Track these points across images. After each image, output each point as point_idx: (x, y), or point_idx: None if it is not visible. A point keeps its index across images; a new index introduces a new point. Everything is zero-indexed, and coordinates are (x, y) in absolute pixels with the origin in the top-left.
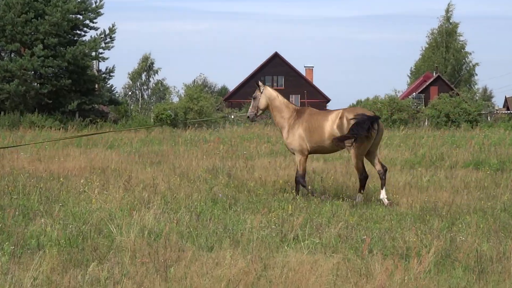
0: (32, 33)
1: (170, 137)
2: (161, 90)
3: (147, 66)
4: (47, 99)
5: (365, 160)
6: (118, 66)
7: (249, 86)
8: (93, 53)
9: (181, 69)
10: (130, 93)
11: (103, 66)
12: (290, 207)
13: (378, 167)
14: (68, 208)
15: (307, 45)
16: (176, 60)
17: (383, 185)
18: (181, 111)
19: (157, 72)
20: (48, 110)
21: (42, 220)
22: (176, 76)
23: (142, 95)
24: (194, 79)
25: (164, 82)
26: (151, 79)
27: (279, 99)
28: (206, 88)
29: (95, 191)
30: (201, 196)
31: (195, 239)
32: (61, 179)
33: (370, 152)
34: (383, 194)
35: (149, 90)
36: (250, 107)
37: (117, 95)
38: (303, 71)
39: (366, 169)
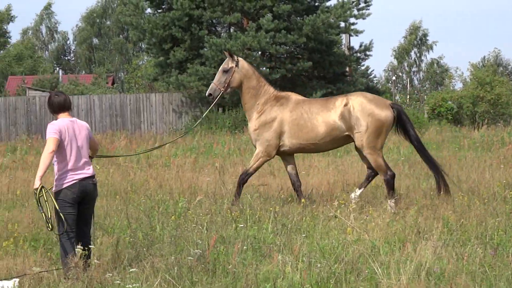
0: None
1: (452, 138)
2: (438, 73)
3: (417, 39)
4: (280, 89)
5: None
6: (377, 41)
7: None
8: (342, 24)
9: (466, 43)
10: (394, 78)
11: (355, 41)
12: None
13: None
14: (314, 241)
15: None
16: (458, 30)
17: (363, 185)
18: (468, 102)
19: (431, 47)
20: None
21: (280, 257)
22: (459, 53)
23: (412, 81)
24: (484, 57)
25: (441, 61)
26: (423, 58)
27: (256, 78)
28: (501, 68)
29: (350, 216)
30: (499, 222)
31: (492, 283)
32: (303, 200)
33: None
34: (355, 194)
35: (421, 73)
36: (215, 81)
37: (376, 81)
38: None
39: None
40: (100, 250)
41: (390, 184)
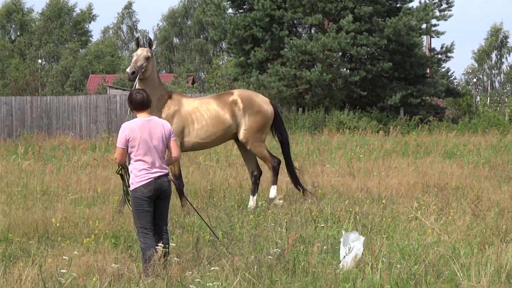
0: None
1: None
2: None
3: (498, 41)
4: (360, 90)
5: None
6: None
7: None
8: (423, 26)
9: None
10: (475, 80)
11: (436, 43)
12: None
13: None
14: (394, 241)
15: None
16: None
17: (255, 191)
18: None
19: None
20: (361, 105)
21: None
22: None
23: (492, 83)
24: None
25: None
26: (504, 60)
27: (157, 74)
28: None
29: (430, 217)
30: None
31: None
32: (383, 200)
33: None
34: (252, 201)
35: (502, 75)
36: (137, 64)
37: (456, 84)
38: None
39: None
40: (180, 248)
41: (276, 170)
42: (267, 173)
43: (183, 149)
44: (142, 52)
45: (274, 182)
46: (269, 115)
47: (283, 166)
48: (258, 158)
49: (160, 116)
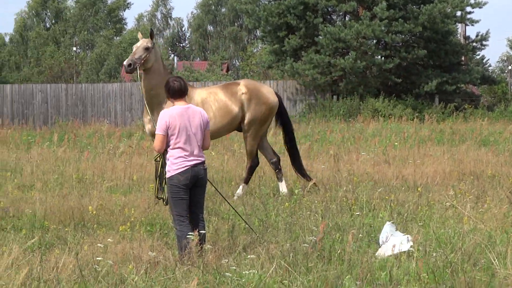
0: None
1: None
2: None
3: None
4: (394, 78)
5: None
6: (493, 30)
7: None
8: (458, 13)
9: None
10: (510, 67)
11: (471, 31)
12: None
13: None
14: (430, 230)
15: None
16: None
17: (281, 177)
18: None
19: None
20: (396, 92)
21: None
22: None
23: None
24: None
25: None
26: None
27: (163, 64)
28: None
29: (467, 206)
30: None
31: None
32: (419, 188)
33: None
34: (283, 188)
35: None
36: (135, 56)
37: (491, 71)
38: None
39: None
40: (215, 236)
41: (251, 171)
42: (263, 166)
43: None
44: (142, 43)
45: (246, 181)
46: (274, 106)
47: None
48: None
49: (155, 105)
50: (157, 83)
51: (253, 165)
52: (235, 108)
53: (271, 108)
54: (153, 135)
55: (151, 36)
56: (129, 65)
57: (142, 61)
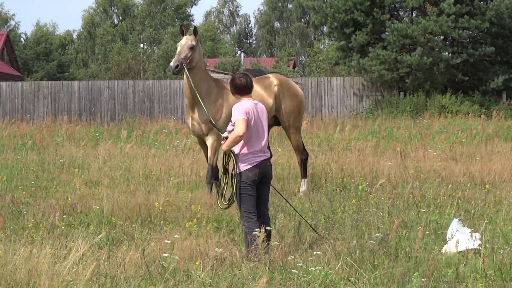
0: None
1: None
2: None
3: None
4: (461, 74)
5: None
6: None
7: None
8: None
9: None
10: None
11: None
12: None
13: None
14: (497, 227)
15: None
16: None
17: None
18: None
19: None
20: (463, 89)
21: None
22: None
23: None
24: None
25: None
26: None
27: (204, 61)
28: None
29: None
30: None
31: None
32: (486, 185)
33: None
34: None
35: None
36: (181, 56)
37: None
38: None
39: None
40: (282, 232)
41: (306, 164)
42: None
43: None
44: (186, 41)
45: (305, 175)
46: (303, 98)
47: None
48: (295, 148)
49: (209, 106)
50: (200, 80)
51: (304, 158)
52: (271, 101)
53: (301, 100)
54: (199, 135)
55: (195, 33)
56: (176, 66)
57: (188, 60)
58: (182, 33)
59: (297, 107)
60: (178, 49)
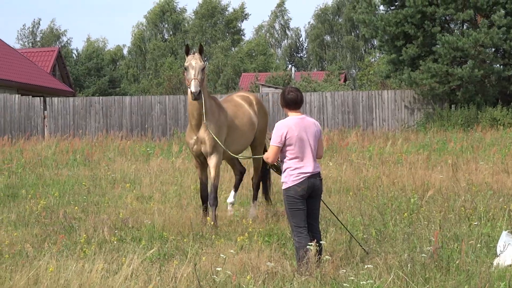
0: None
1: None
2: None
3: None
4: None
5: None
6: None
7: None
8: None
9: None
10: None
11: None
12: None
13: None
14: None
15: None
16: None
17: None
18: None
19: None
20: None
21: None
22: None
23: None
24: None
25: None
26: None
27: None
28: None
29: None
30: None
31: None
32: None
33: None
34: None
35: None
36: (199, 79)
37: None
38: None
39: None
40: (333, 246)
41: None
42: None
43: (223, 158)
44: (196, 63)
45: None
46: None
47: None
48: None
49: (212, 123)
50: (207, 99)
51: (264, 174)
52: (255, 120)
53: (267, 118)
54: (198, 155)
55: (200, 51)
56: (199, 92)
57: (202, 82)
58: (187, 53)
59: (266, 125)
60: (193, 72)
